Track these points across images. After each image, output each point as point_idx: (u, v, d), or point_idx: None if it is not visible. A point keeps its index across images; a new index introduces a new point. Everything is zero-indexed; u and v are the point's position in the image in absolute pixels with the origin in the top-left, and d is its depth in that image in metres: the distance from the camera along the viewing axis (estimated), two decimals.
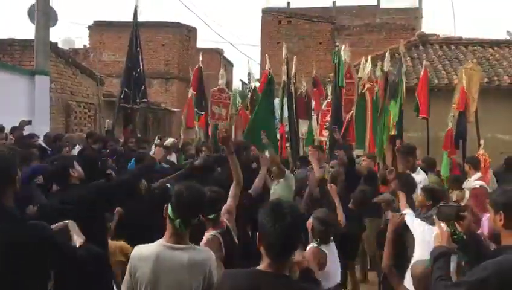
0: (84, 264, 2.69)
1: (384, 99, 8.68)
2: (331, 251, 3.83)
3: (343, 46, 8.46)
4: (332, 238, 3.85)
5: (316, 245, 3.72)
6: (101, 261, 2.95)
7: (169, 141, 8.20)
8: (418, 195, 4.57)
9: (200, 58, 9.46)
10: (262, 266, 2.07)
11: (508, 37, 14.85)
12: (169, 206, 2.53)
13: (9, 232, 2.35)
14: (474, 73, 8.65)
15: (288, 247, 2.05)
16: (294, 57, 9.70)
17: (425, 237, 3.77)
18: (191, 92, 9.12)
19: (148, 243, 2.62)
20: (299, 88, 10.01)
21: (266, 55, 9.92)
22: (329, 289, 3.70)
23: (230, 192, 3.82)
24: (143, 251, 2.54)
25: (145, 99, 10.09)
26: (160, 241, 2.54)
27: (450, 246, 2.56)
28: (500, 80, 11.16)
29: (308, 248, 3.76)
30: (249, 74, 11.01)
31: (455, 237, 2.62)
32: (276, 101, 9.73)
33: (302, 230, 2.14)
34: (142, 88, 9.75)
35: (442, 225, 2.67)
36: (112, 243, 4.41)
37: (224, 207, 3.64)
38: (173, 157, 8.18)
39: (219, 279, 2.21)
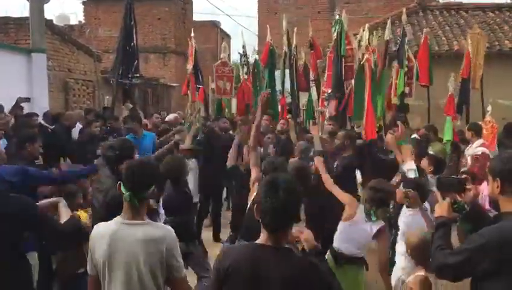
0: (66, 236, 2.89)
1: (383, 67, 8.58)
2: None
3: (343, 14, 8.29)
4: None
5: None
6: (84, 235, 3.04)
7: (171, 115, 8.16)
8: (423, 160, 4.73)
9: (192, 34, 9.29)
10: (261, 239, 2.12)
11: (509, 1, 14.62)
12: (122, 182, 2.55)
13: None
14: (480, 38, 8.55)
15: (283, 221, 2.07)
16: (295, 28, 9.54)
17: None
18: (190, 67, 9.02)
19: None
20: (299, 59, 9.89)
21: (267, 26, 9.75)
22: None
23: (250, 162, 4.04)
24: (100, 229, 2.57)
25: (138, 74, 10.00)
26: (117, 219, 2.55)
27: (450, 215, 2.57)
28: (502, 45, 11.06)
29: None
30: (244, 47, 10.85)
31: (455, 206, 2.63)
32: (277, 73, 9.65)
33: (299, 205, 2.13)
34: (135, 63, 9.63)
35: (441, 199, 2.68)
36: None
37: (253, 177, 3.87)
38: None
39: (219, 254, 2.20)
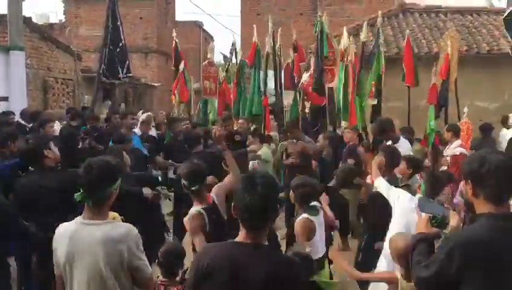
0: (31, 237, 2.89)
1: (360, 69, 8.70)
2: (319, 221, 3.85)
3: (324, 15, 8.37)
4: (319, 208, 3.88)
5: (304, 215, 3.75)
6: None
7: (144, 115, 8.05)
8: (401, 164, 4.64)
9: (174, 34, 9.25)
10: (239, 237, 2.09)
11: (486, 5, 14.89)
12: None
13: None
14: (454, 41, 8.69)
15: (262, 218, 2.05)
16: (279, 28, 9.60)
17: (404, 204, 3.83)
18: (182, 66, 8.96)
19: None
20: (288, 57, 9.96)
21: (253, 26, 9.78)
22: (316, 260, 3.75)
23: (227, 178, 3.85)
24: (61, 230, 2.52)
25: (130, 74, 9.94)
26: (77, 218, 2.52)
27: (430, 231, 2.51)
28: (479, 48, 11.24)
29: (297, 220, 3.79)
30: (234, 44, 10.79)
31: (433, 221, 2.56)
32: (261, 73, 9.70)
33: (277, 201, 2.11)
34: (127, 63, 9.58)
35: (422, 214, 2.63)
36: None
37: (217, 185, 3.69)
38: (153, 132, 8.08)
39: (198, 253, 2.16)
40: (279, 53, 9.39)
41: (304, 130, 8.11)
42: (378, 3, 19.81)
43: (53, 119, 7.28)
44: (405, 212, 3.79)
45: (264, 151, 7.07)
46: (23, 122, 7.60)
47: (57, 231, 2.53)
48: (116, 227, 2.50)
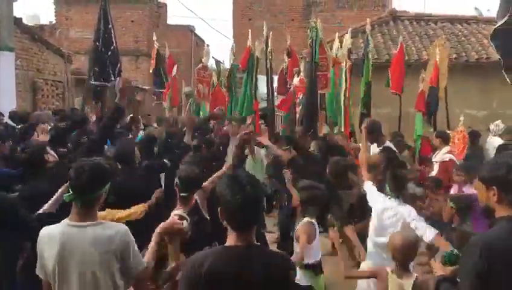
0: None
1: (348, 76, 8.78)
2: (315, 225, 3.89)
3: (318, 22, 8.43)
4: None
5: (307, 219, 3.77)
6: None
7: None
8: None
9: (154, 38, 9.27)
10: (229, 241, 2.06)
11: (476, 14, 15.09)
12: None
13: None
14: (443, 49, 8.79)
15: (251, 217, 2.04)
16: (270, 32, 9.63)
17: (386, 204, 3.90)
18: (174, 71, 8.97)
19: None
20: (279, 63, 10.00)
21: (249, 30, 9.82)
22: (312, 264, 3.78)
23: (218, 173, 3.90)
24: (49, 232, 2.49)
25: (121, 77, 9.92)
26: (65, 221, 2.50)
27: (447, 272, 2.52)
28: (468, 56, 11.37)
29: (301, 223, 3.81)
30: (233, 47, 10.76)
31: (446, 260, 2.57)
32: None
33: (264, 201, 2.09)
34: (118, 66, 9.57)
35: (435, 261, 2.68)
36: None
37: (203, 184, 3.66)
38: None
39: (188, 263, 2.08)
40: (270, 58, 9.43)
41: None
42: (369, 10, 20.00)
43: (43, 121, 7.23)
44: (377, 213, 3.94)
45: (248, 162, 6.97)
46: (12, 123, 7.53)
47: (41, 234, 2.49)
48: (106, 227, 2.49)
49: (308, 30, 8.91)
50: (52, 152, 3.77)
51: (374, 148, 5.77)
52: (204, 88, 9.37)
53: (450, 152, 6.69)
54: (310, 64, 8.59)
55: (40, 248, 2.48)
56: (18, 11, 29.41)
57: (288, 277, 2.07)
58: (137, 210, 3.77)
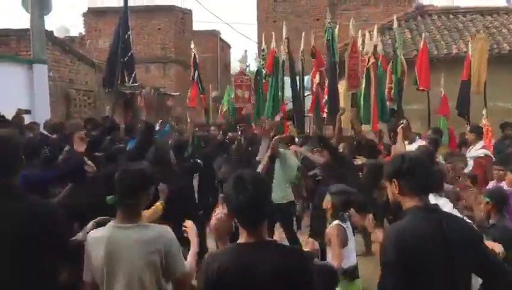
0: (71, 256, 2.73)
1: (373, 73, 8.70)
2: (349, 228, 3.85)
3: (352, 20, 8.44)
4: (347, 216, 3.86)
5: (337, 222, 3.74)
6: None
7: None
8: None
9: (192, 46, 9.39)
10: (242, 239, 2.12)
11: (506, 4, 14.68)
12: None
13: (23, 210, 2.42)
14: (484, 43, 8.62)
15: (256, 215, 2.09)
16: (303, 33, 9.68)
17: None
18: (195, 75, 9.14)
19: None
20: (311, 64, 10.06)
21: (272, 33, 9.87)
22: (348, 269, 3.74)
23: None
24: (96, 234, 2.56)
25: (136, 84, 10.15)
26: (111, 223, 2.57)
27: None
28: (500, 48, 11.08)
29: (330, 226, 3.79)
30: (263, 50, 10.80)
31: None
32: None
33: (268, 199, 2.15)
34: (134, 73, 9.78)
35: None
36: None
37: None
38: None
39: (206, 260, 2.16)
40: (302, 58, 9.51)
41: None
42: (395, 6, 19.73)
43: (78, 130, 7.41)
44: None
45: None
46: (46, 133, 7.74)
47: (89, 236, 2.58)
48: (150, 229, 2.56)
49: (325, 31, 8.90)
50: (89, 162, 3.86)
51: (408, 146, 5.70)
52: (243, 92, 9.53)
53: (484, 147, 6.53)
54: (329, 64, 8.60)
55: (87, 250, 2.56)
56: (49, 24, 30.28)
57: (305, 272, 2.06)
58: (157, 208, 3.85)
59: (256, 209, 2.06)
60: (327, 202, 3.84)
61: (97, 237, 2.53)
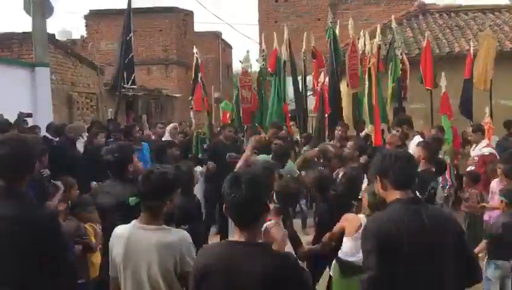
0: (71, 271, 2.73)
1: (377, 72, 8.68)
2: None
3: (351, 20, 8.42)
4: None
5: (363, 217, 3.78)
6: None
7: (170, 125, 8.28)
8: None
9: (194, 50, 9.30)
10: (234, 236, 2.14)
11: (508, 2, 14.65)
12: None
13: (31, 218, 2.35)
14: (491, 41, 8.60)
15: (249, 216, 2.08)
16: (305, 33, 9.69)
17: None
18: (200, 77, 9.07)
19: None
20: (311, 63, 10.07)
21: (273, 34, 9.85)
22: (350, 262, 3.77)
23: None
24: (119, 231, 2.63)
25: (135, 86, 10.24)
26: (133, 222, 2.61)
27: None
28: (502, 46, 11.04)
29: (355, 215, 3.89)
30: (263, 50, 10.75)
31: None
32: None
33: (263, 199, 2.12)
34: (133, 74, 9.82)
35: None
36: None
37: None
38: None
39: (197, 254, 2.25)
40: (304, 58, 9.49)
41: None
42: (397, 4, 19.69)
43: (81, 133, 7.44)
44: None
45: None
46: (49, 136, 7.74)
47: (114, 232, 2.65)
48: (170, 233, 2.58)
49: (326, 31, 8.89)
50: (137, 162, 3.91)
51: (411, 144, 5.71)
52: (247, 92, 9.46)
53: (488, 145, 6.51)
54: (330, 65, 8.59)
55: (110, 245, 2.64)
56: (50, 27, 30.26)
57: (290, 278, 2.03)
58: None
59: (247, 209, 2.06)
60: (364, 200, 3.88)
61: (120, 235, 2.59)
